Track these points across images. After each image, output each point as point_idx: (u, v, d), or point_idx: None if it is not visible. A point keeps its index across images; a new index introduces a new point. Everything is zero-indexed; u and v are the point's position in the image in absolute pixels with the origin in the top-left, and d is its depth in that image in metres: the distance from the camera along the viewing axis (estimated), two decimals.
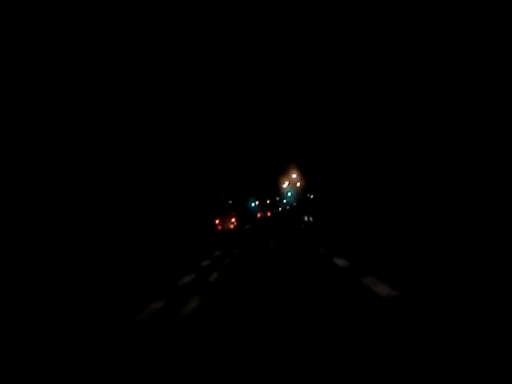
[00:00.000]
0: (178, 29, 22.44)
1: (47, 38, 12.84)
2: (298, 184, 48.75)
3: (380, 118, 15.20)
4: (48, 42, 12.90)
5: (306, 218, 22.69)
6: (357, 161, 19.21)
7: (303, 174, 45.82)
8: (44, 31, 12.69)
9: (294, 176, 49.10)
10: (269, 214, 59.07)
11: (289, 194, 53.18)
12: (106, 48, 16.05)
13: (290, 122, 44.57)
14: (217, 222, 28.69)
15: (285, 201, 61.00)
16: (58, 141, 13.12)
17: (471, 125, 9.27)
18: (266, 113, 56.41)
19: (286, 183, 53.65)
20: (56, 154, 12.99)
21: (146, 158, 20.41)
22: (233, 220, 29.59)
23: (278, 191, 63.10)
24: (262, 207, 64.38)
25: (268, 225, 29.66)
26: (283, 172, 53.73)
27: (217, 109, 36.20)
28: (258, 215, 55.52)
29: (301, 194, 47.84)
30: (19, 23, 11.81)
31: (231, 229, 28.54)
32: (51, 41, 13.00)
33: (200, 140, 30.84)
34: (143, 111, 20.04)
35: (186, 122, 26.89)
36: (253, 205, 60.39)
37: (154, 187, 21.61)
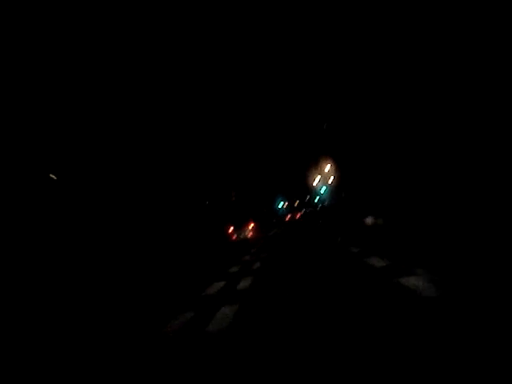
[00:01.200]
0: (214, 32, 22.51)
1: (47, 37, 12.23)
2: (331, 180, 40.77)
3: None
4: (48, 42, 12.27)
5: (369, 221, 14.81)
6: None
7: (338, 167, 38.02)
8: (44, 31, 12.10)
9: (327, 170, 40.95)
10: (298, 216, 51.97)
11: (322, 190, 44.89)
12: (121, 51, 15.66)
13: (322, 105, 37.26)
14: (230, 230, 21.88)
15: (317, 199, 52.87)
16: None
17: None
18: (292, 104, 49.45)
19: (318, 178, 45.64)
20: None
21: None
22: (250, 227, 22.99)
23: (307, 189, 55.31)
24: (291, 209, 57.84)
25: (301, 234, 19.64)
26: (314, 166, 45.87)
27: (236, 95, 32.90)
28: (287, 218, 48.97)
29: (336, 192, 40.04)
30: (19, 23, 11.32)
31: (250, 237, 22.12)
32: (51, 41, 12.39)
33: (212, 136, 26.31)
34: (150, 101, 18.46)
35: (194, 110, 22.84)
36: (280, 206, 53.96)
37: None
